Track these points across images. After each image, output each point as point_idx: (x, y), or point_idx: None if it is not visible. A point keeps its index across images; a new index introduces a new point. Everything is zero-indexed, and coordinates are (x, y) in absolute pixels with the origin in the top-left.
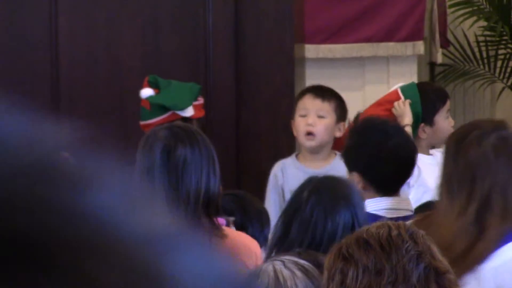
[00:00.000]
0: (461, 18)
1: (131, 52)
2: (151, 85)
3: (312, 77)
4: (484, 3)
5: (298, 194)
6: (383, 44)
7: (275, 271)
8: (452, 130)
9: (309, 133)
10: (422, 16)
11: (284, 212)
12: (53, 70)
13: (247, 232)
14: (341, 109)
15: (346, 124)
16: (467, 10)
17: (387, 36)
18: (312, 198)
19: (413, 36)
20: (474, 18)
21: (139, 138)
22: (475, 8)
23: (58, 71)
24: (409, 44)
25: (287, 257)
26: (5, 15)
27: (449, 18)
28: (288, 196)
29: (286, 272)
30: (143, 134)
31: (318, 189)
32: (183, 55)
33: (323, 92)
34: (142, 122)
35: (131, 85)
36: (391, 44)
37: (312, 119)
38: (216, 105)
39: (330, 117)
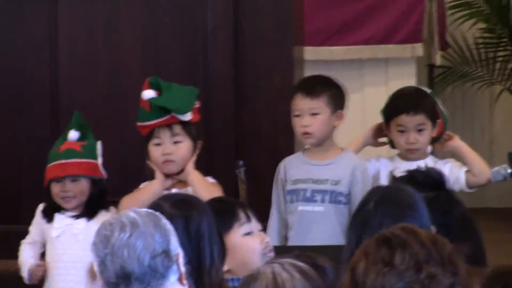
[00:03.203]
0: (460, 20)
1: (131, 52)
2: (152, 86)
3: None
4: (483, 5)
5: (364, 204)
6: (382, 46)
7: (273, 273)
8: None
9: (306, 133)
10: (421, 18)
11: (352, 225)
12: (53, 70)
13: None
14: (335, 99)
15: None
16: (466, 12)
17: (386, 38)
18: (380, 209)
19: (412, 38)
20: (473, 20)
21: (139, 138)
22: (474, 10)
23: (58, 71)
24: (408, 46)
25: (285, 260)
26: (5, 15)
27: (448, 20)
28: (288, 187)
29: (284, 275)
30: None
31: (385, 199)
32: (183, 56)
33: (312, 89)
34: (139, 123)
35: (130, 85)
36: (390, 46)
37: (306, 120)
38: (216, 105)
39: (324, 112)
